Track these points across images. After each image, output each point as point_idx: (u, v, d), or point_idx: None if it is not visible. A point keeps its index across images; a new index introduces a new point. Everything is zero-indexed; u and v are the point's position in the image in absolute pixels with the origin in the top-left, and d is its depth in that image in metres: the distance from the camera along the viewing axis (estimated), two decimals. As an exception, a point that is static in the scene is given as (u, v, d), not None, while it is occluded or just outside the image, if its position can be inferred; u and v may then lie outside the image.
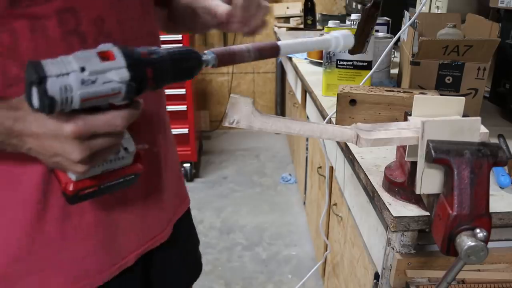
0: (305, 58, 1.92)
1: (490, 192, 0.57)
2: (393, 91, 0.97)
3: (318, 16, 2.86)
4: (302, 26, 2.83)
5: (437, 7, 1.48)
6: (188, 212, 0.90)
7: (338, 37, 0.62)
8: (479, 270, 0.74)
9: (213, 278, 1.93)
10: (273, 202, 2.57)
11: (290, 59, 2.09)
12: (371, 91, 0.98)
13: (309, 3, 2.68)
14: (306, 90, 1.67)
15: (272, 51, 0.56)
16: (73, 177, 0.52)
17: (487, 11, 1.30)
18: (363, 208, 0.96)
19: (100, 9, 0.58)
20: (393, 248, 0.75)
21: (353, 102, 0.98)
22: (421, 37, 0.95)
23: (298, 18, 3.01)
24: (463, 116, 0.64)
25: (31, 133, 0.47)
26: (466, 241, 0.53)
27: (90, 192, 0.54)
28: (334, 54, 1.29)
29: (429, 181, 0.61)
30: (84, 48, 0.45)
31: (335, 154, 1.27)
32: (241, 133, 3.55)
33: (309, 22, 2.71)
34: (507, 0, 1.06)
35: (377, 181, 0.81)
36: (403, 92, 0.96)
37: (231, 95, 0.61)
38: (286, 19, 3.16)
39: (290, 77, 2.47)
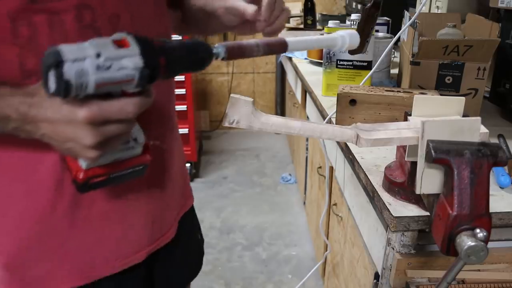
0: (305, 58, 1.92)
1: (490, 192, 0.57)
2: (393, 91, 0.97)
3: (318, 16, 2.86)
4: (302, 26, 2.83)
5: (437, 7, 1.48)
6: (192, 210, 0.91)
7: (344, 36, 0.62)
8: (479, 270, 0.74)
9: (213, 278, 1.93)
10: (273, 202, 2.57)
11: (290, 59, 2.09)
12: (371, 91, 0.98)
13: (309, 3, 2.68)
14: (306, 90, 1.67)
15: (280, 47, 0.57)
16: (83, 165, 0.53)
17: (487, 11, 1.30)
18: (363, 208, 0.96)
19: (116, 6, 0.59)
20: (393, 248, 0.75)
21: (353, 102, 0.98)
22: (421, 37, 0.95)
23: (298, 18, 3.01)
24: (463, 116, 0.64)
25: (45, 119, 0.48)
26: (466, 241, 0.53)
27: (100, 181, 0.55)
28: (334, 54, 1.29)
29: (429, 181, 0.61)
30: None
31: (335, 154, 1.27)
32: (241, 133, 3.55)
33: (309, 22, 2.71)
34: (507, 0, 1.06)
35: (377, 181, 0.81)
36: (403, 92, 0.96)
37: (231, 95, 0.61)
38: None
39: (290, 77, 2.47)
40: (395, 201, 0.74)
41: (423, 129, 0.60)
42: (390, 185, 0.76)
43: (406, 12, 1.27)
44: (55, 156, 0.58)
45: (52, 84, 0.43)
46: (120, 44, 0.45)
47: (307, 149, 2.08)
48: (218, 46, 0.52)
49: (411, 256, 0.73)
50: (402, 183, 0.73)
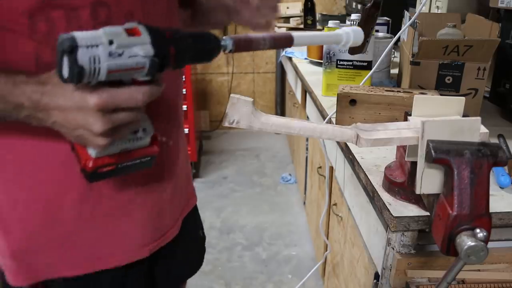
0: (305, 58, 1.92)
1: (490, 192, 0.57)
2: (393, 91, 0.97)
3: (318, 16, 2.86)
4: (302, 26, 2.83)
5: (437, 7, 1.48)
6: (195, 209, 0.92)
7: (349, 32, 0.63)
8: (479, 270, 0.74)
9: (213, 278, 1.93)
10: (273, 202, 2.57)
11: (290, 59, 2.09)
12: (371, 91, 0.98)
13: (309, 3, 2.68)
14: (306, 90, 1.67)
15: (286, 41, 0.58)
16: (93, 154, 0.54)
17: (487, 11, 1.30)
18: (363, 208, 0.96)
19: (130, 4, 0.61)
20: (393, 248, 0.75)
21: (353, 102, 0.98)
22: (421, 37, 0.95)
23: (298, 18, 3.01)
24: (463, 116, 0.64)
25: (56, 106, 0.50)
26: (466, 241, 0.53)
27: (108, 171, 0.56)
28: (334, 54, 1.29)
29: (429, 181, 0.61)
30: None
31: (335, 154, 1.27)
32: (241, 133, 3.55)
33: (309, 22, 2.71)
34: (507, 0, 1.06)
35: (377, 181, 0.81)
36: (403, 92, 0.96)
37: (231, 95, 0.61)
38: (286, 19, 3.16)
39: (290, 77, 2.47)
40: (395, 201, 0.74)
41: (423, 129, 0.60)
42: (390, 185, 0.76)
43: (406, 12, 1.27)
44: (67, 147, 0.60)
45: (65, 69, 0.44)
46: (131, 32, 0.47)
47: (307, 149, 2.08)
48: (226, 38, 0.53)
49: (411, 256, 0.73)
50: (402, 183, 0.73)
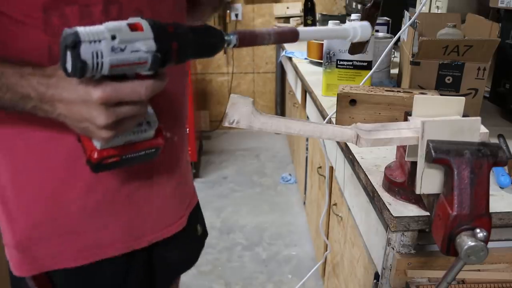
0: (305, 58, 1.92)
1: (490, 192, 0.57)
2: (393, 91, 0.97)
3: (318, 16, 2.86)
4: (302, 26, 2.83)
5: (437, 7, 1.48)
6: (197, 207, 0.94)
7: (356, 27, 0.62)
8: (479, 270, 0.74)
9: (213, 278, 1.93)
10: (273, 202, 2.57)
11: (290, 59, 2.09)
12: (371, 91, 0.98)
13: (309, 3, 2.68)
14: (306, 90, 1.67)
15: (292, 36, 0.57)
16: (98, 145, 0.55)
17: (487, 11, 1.30)
18: (363, 208, 0.96)
19: (140, 2, 0.63)
20: (393, 248, 0.75)
21: (353, 102, 0.98)
22: (421, 37, 0.95)
23: (298, 18, 3.02)
24: (463, 116, 0.64)
25: (61, 99, 0.51)
26: (466, 241, 0.53)
27: (113, 162, 0.57)
28: (334, 54, 1.29)
29: (429, 181, 0.61)
30: None
31: (335, 154, 1.27)
32: (241, 133, 3.55)
33: (309, 22, 2.71)
34: (507, 0, 1.06)
35: (377, 181, 0.81)
36: (403, 92, 0.96)
37: (231, 95, 0.61)
38: (286, 19, 3.16)
39: (290, 77, 2.47)
40: (395, 201, 0.74)
41: (423, 129, 0.59)
42: (390, 185, 0.76)
43: (406, 12, 1.27)
44: (74, 139, 0.61)
45: (69, 63, 0.45)
46: (134, 27, 0.47)
47: (307, 149, 2.08)
48: (230, 33, 0.53)
49: (411, 256, 0.73)
50: (402, 183, 0.73)
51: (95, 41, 0.45)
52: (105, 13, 0.59)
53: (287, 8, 3.19)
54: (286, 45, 2.31)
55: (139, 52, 0.47)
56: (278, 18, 3.20)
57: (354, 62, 1.28)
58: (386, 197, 0.76)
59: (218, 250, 2.11)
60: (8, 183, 0.67)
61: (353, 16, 1.62)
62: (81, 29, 0.45)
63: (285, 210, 2.48)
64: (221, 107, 3.60)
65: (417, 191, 0.62)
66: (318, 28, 0.61)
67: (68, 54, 0.45)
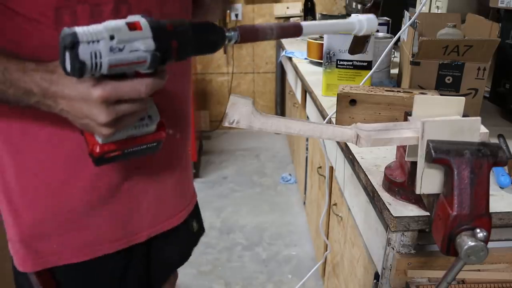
0: (305, 58, 1.92)
1: (490, 192, 0.57)
2: (393, 91, 0.97)
3: (318, 16, 2.86)
4: (302, 26, 2.83)
5: (437, 7, 1.48)
6: (195, 204, 0.96)
7: (362, 20, 0.61)
8: (479, 270, 0.74)
9: (213, 278, 1.93)
10: (273, 202, 2.57)
11: (290, 59, 2.09)
12: (371, 91, 0.97)
13: (309, 3, 2.68)
14: (306, 90, 1.67)
15: (295, 30, 0.57)
16: (99, 140, 0.55)
17: (487, 11, 1.30)
18: (363, 208, 0.96)
19: (149, 3, 0.64)
20: (393, 248, 0.75)
21: (353, 102, 0.98)
22: (421, 37, 0.95)
23: (298, 18, 3.01)
24: (463, 116, 0.64)
25: (63, 95, 0.52)
26: (466, 241, 0.53)
27: (115, 156, 0.57)
28: (334, 54, 1.29)
29: (429, 181, 0.61)
30: None
31: (335, 154, 1.27)
32: (241, 133, 3.55)
33: (309, 22, 2.71)
34: (507, 0, 1.06)
35: (377, 181, 0.81)
36: (403, 92, 0.96)
37: (231, 95, 0.61)
38: (286, 19, 3.16)
39: (290, 77, 2.47)
40: (395, 201, 0.74)
41: (423, 129, 0.59)
42: (390, 185, 0.76)
43: (406, 12, 1.27)
44: (79, 136, 0.62)
45: (68, 64, 0.45)
46: (133, 27, 0.47)
47: (307, 149, 2.08)
48: (231, 29, 0.53)
49: (411, 256, 0.73)
50: (402, 183, 0.73)
51: (93, 42, 0.45)
52: (115, 12, 0.60)
53: (287, 8, 3.19)
54: (286, 45, 2.31)
55: (138, 51, 0.47)
56: (278, 18, 3.20)
57: (354, 62, 1.28)
58: (386, 197, 0.76)
59: (218, 250, 2.11)
60: (12, 179, 0.67)
61: (353, 16, 1.62)
62: (79, 29, 0.45)
63: (285, 210, 2.48)
64: (221, 107, 3.60)
65: (417, 191, 0.62)
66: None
67: (67, 54, 0.45)
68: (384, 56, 1.03)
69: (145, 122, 0.58)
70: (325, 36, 1.29)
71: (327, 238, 1.49)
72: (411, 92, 0.96)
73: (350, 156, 0.96)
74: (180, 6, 0.72)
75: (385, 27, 1.70)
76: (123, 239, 0.75)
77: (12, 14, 0.57)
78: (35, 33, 0.58)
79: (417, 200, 0.72)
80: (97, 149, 0.56)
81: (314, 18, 2.73)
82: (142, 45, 0.47)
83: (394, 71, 1.47)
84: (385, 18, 1.73)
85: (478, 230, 0.54)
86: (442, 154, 0.57)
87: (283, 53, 2.23)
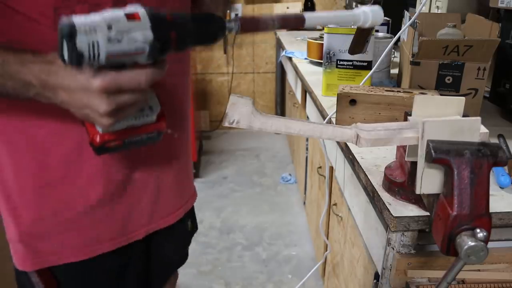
0: (305, 58, 1.92)
1: (490, 192, 0.57)
2: (393, 91, 0.97)
3: (318, 16, 2.86)
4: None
5: (437, 7, 1.48)
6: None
7: (367, 12, 0.60)
8: (479, 270, 0.74)
9: (213, 278, 1.93)
10: (273, 202, 2.57)
11: (290, 59, 2.09)
12: (371, 91, 0.97)
13: (309, 3, 2.68)
14: (306, 90, 1.67)
15: (297, 21, 0.56)
16: (100, 129, 0.55)
17: (487, 11, 1.30)
18: (363, 208, 0.96)
19: (148, 3, 0.65)
20: (393, 248, 0.75)
21: (353, 102, 0.98)
22: (421, 37, 0.95)
23: (298, 18, 3.01)
24: (463, 116, 0.64)
25: (62, 86, 0.51)
26: (466, 241, 0.53)
27: (115, 145, 0.57)
28: (334, 54, 1.29)
29: (429, 181, 0.61)
30: None
31: (335, 154, 1.27)
32: (241, 133, 3.55)
33: (309, 22, 2.71)
34: (507, 0, 1.06)
35: (377, 181, 0.81)
36: (403, 92, 0.96)
37: (231, 95, 0.61)
38: (286, 19, 3.15)
39: (290, 77, 2.47)
40: (395, 201, 0.74)
41: (423, 129, 0.59)
42: (390, 185, 0.76)
43: (406, 12, 1.27)
44: (78, 135, 0.62)
45: (66, 54, 0.45)
46: (131, 17, 0.47)
47: (307, 149, 2.08)
48: (232, 19, 0.53)
49: (411, 256, 0.73)
50: (402, 183, 0.73)
51: (91, 32, 0.45)
52: None
53: (287, 8, 3.19)
54: (286, 45, 2.31)
55: (136, 42, 0.47)
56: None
57: (354, 62, 1.28)
58: (386, 197, 0.76)
59: (218, 250, 2.11)
60: (11, 179, 0.67)
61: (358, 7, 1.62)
62: (77, 20, 0.45)
63: (285, 210, 2.48)
64: (221, 107, 3.60)
65: (417, 191, 0.62)
66: (325, 13, 0.58)
67: (65, 44, 0.45)
68: (384, 56, 1.03)
69: (146, 112, 0.58)
70: (325, 36, 1.29)
71: (327, 238, 1.49)
72: (411, 92, 0.96)
73: (350, 156, 0.96)
74: (180, 7, 0.73)
75: (385, 27, 1.70)
76: (122, 236, 0.75)
77: (12, 13, 0.57)
78: (35, 33, 0.58)
79: (417, 200, 0.72)
80: (98, 139, 0.56)
81: (314, 18, 2.73)
82: (141, 35, 0.47)
83: (394, 71, 1.47)
84: (385, 18, 1.72)
85: (478, 230, 0.54)
86: (442, 154, 0.57)
87: (283, 53, 2.23)
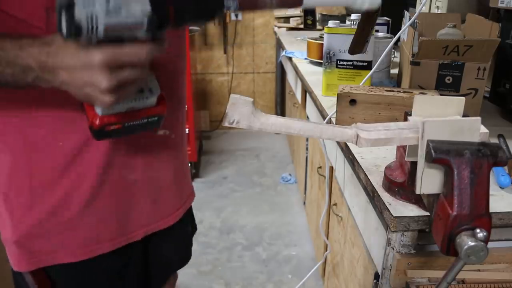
0: (305, 58, 1.92)
1: (490, 192, 0.57)
2: (393, 91, 0.97)
3: (318, 16, 2.86)
4: (302, 26, 2.83)
5: (437, 7, 1.48)
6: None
7: None
8: (479, 270, 0.74)
9: (213, 278, 1.93)
10: (273, 202, 2.57)
11: (290, 59, 2.09)
12: (371, 91, 0.97)
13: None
14: (306, 90, 1.67)
15: (295, 0, 0.56)
16: (99, 112, 0.55)
17: (487, 11, 1.30)
18: (363, 208, 0.96)
19: None
20: (393, 248, 0.75)
21: (353, 102, 0.98)
22: (421, 37, 0.95)
23: (298, 18, 3.01)
24: (463, 116, 0.64)
25: (62, 66, 0.51)
26: (466, 241, 0.53)
27: (115, 129, 0.57)
28: (334, 54, 1.29)
29: (429, 181, 0.61)
30: None
31: (335, 154, 1.27)
32: (241, 133, 3.55)
33: (309, 22, 2.71)
34: (507, 0, 1.06)
35: (377, 181, 0.81)
36: (403, 92, 0.96)
37: (231, 95, 0.61)
38: (286, 19, 3.16)
39: (290, 77, 2.47)
40: (395, 201, 0.74)
41: (423, 129, 0.59)
42: (390, 185, 0.76)
43: (406, 12, 1.27)
44: (78, 136, 0.62)
45: (64, 26, 0.45)
46: None
47: (307, 149, 2.08)
48: None
49: (411, 256, 0.73)
50: (402, 183, 0.73)
51: (89, 4, 0.45)
52: None
53: (287, 8, 3.19)
54: (286, 45, 2.31)
55: (134, 14, 0.47)
56: (278, 18, 3.20)
57: (354, 62, 1.28)
58: (386, 197, 0.76)
59: (218, 250, 2.11)
60: (7, 179, 0.67)
61: (353, 16, 1.63)
62: None
63: (285, 210, 2.48)
64: (221, 107, 3.60)
65: (417, 191, 0.62)
66: None
67: (63, 16, 0.45)
68: (384, 56, 1.03)
69: (146, 95, 0.58)
70: (325, 36, 1.29)
71: (327, 238, 1.49)
72: (411, 92, 0.96)
73: (350, 156, 0.96)
74: None
75: (385, 27, 1.70)
76: (121, 237, 0.75)
77: (5, 16, 0.56)
78: (28, 33, 0.57)
79: (417, 200, 0.72)
80: (97, 121, 0.55)
81: (314, 18, 2.73)
82: (139, 8, 0.47)
83: (394, 71, 1.47)
84: (385, 18, 1.73)
85: (478, 230, 0.54)
86: (442, 154, 0.57)
87: (283, 53, 2.23)
